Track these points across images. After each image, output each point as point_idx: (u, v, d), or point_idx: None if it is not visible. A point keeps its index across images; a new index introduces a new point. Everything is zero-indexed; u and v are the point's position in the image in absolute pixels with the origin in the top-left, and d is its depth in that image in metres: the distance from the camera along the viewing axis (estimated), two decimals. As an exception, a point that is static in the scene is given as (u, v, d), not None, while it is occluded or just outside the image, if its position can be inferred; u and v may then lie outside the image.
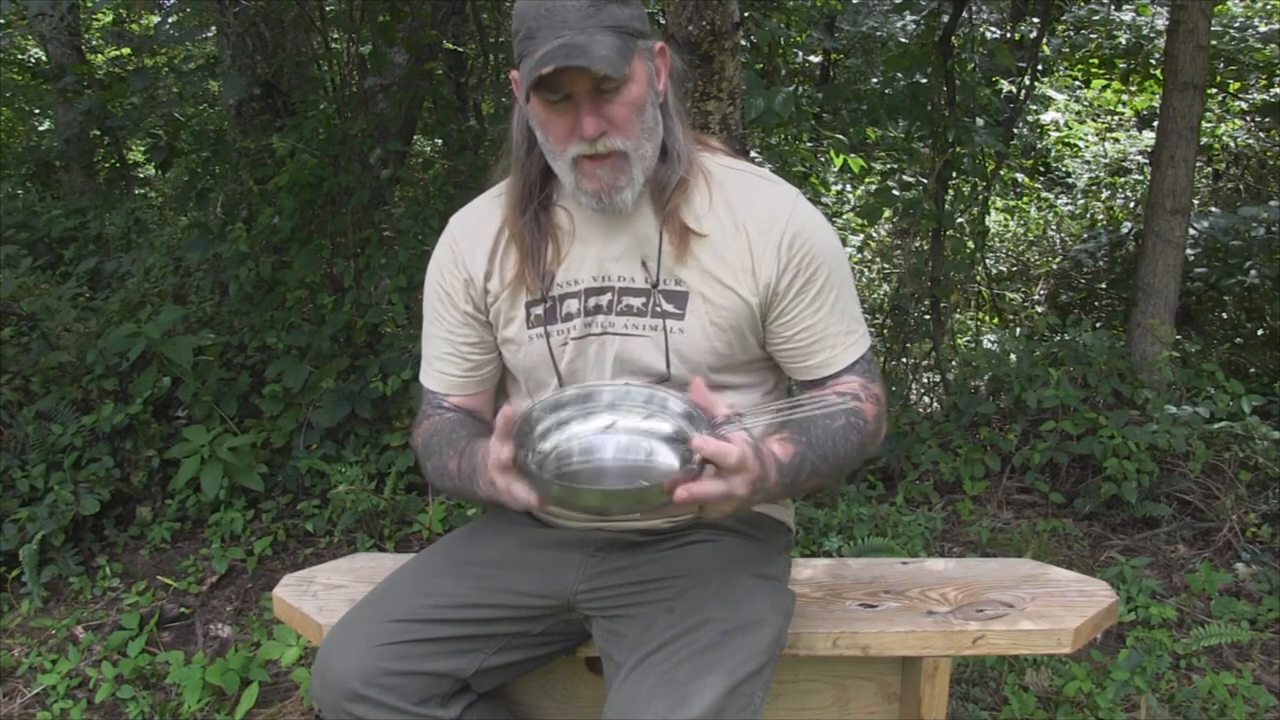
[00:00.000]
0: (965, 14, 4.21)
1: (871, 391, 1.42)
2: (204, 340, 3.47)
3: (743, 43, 3.61)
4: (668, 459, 1.28)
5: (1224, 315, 4.82)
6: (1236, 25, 5.50)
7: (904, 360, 4.30)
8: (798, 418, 1.30)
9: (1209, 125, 5.78)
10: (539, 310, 1.43)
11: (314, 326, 3.53)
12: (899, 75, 4.24)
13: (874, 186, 4.65)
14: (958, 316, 5.15)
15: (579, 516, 1.51)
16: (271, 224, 3.72)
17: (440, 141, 5.61)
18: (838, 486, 3.31)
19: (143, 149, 6.03)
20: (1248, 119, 5.90)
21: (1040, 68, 5.82)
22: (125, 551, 3.12)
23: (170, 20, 4.99)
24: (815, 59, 6.12)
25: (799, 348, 1.42)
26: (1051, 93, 6.65)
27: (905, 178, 4.70)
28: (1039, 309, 5.42)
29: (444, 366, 1.53)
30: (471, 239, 1.48)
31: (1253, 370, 4.19)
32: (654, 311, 1.40)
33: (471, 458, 1.34)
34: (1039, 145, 6.81)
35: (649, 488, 1.15)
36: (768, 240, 1.38)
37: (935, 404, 4.17)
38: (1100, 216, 6.23)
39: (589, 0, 1.26)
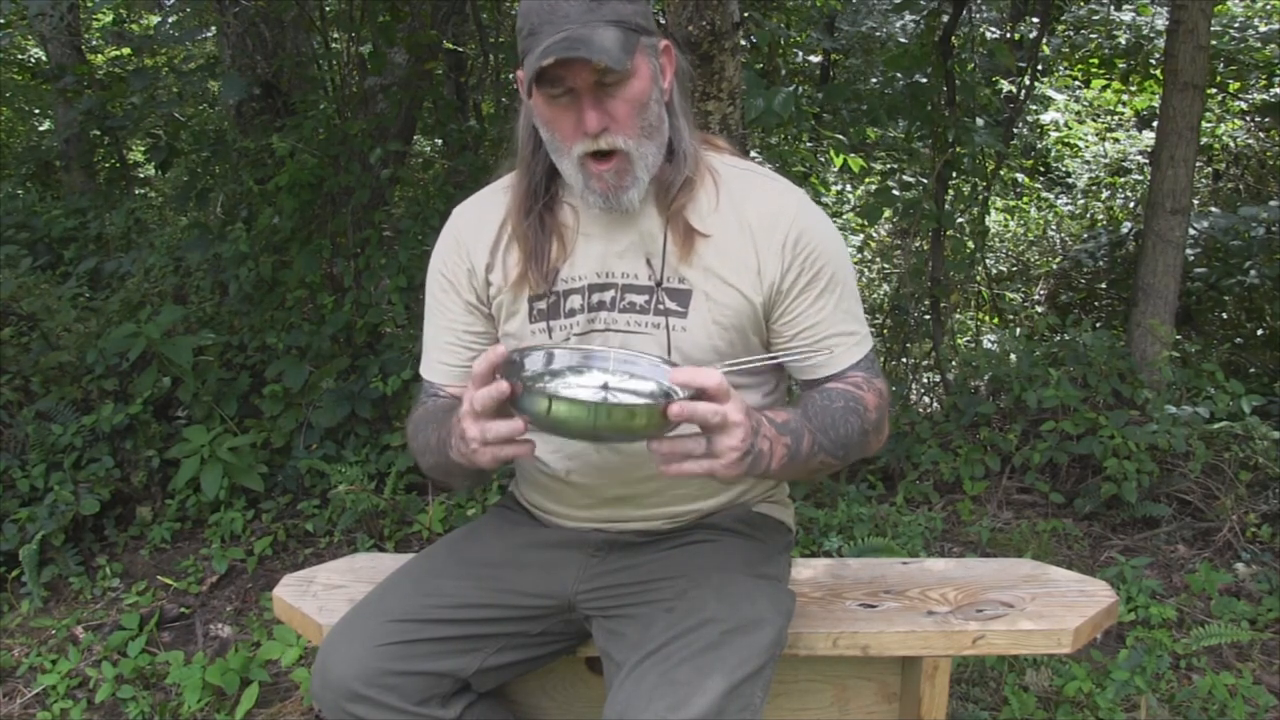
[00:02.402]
0: (965, 14, 4.21)
1: (874, 385, 1.42)
2: (204, 340, 3.47)
3: (743, 43, 3.61)
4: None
5: (1224, 315, 4.82)
6: (1236, 25, 5.50)
7: (904, 360, 4.30)
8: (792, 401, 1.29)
9: (1209, 125, 5.78)
10: (542, 305, 1.44)
11: (314, 326, 3.53)
12: (899, 75, 4.24)
13: (874, 186, 4.65)
14: (958, 316, 5.15)
15: (579, 515, 1.51)
16: (271, 224, 3.72)
17: (440, 141, 5.61)
18: (838, 485, 3.31)
19: (143, 149, 6.04)
20: (1248, 119, 5.90)
21: (1040, 68, 5.82)
22: (125, 551, 3.12)
23: (170, 20, 4.99)
24: (815, 59, 6.13)
25: (802, 346, 1.42)
26: (1051, 93, 6.66)
27: (905, 178, 4.71)
28: (1039, 309, 5.42)
29: (443, 356, 1.52)
30: (474, 230, 1.48)
31: (1253, 370, 4.19)
32: (657, 309, 1.40)
33: (449, 423, 1.31)
34: (1039, 145, 6.82)
35: (640, 407, 1.13)
36: (772, 239, 1.38)
37: (935, 404, 4.17)
38: (1100, 216, 6.23)
39: None
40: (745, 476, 1.21)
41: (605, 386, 1.30)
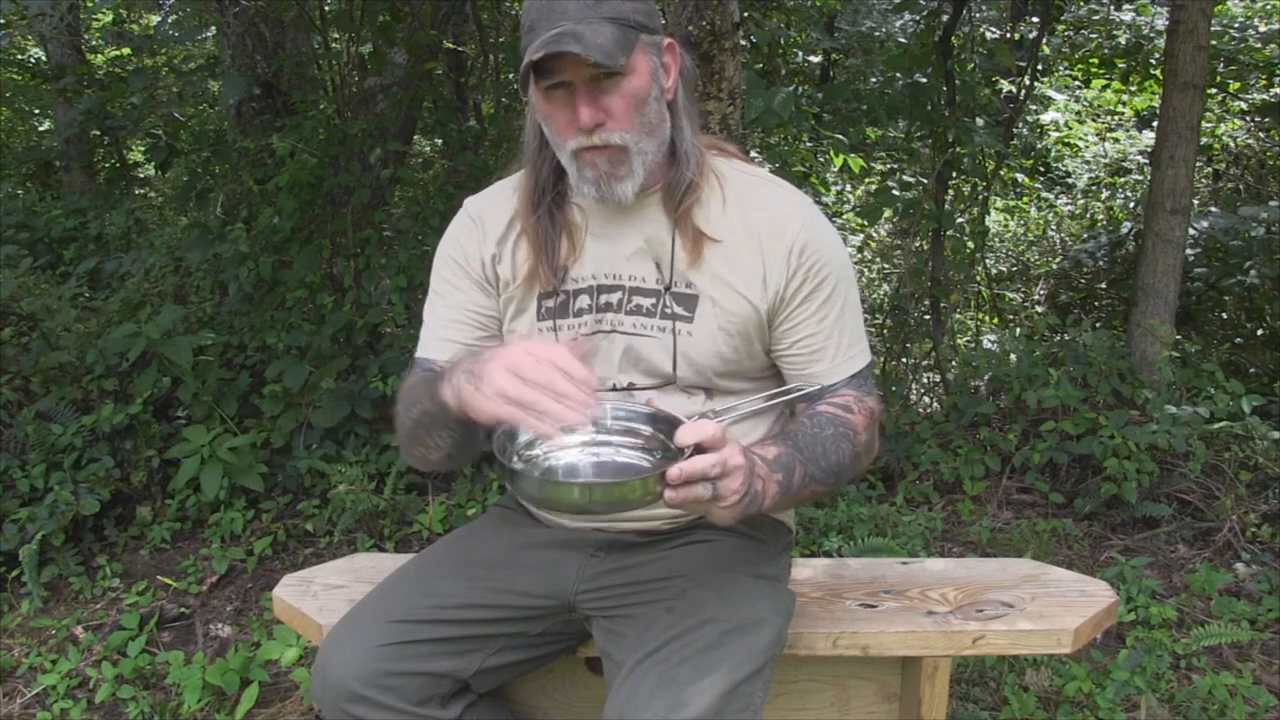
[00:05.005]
0: (965, 14, 4.21)
1: (865, 404, 1.43)
2: (204, 340, 3.47)
3: (743, 43, 3.61)
4: (647, 469, 1.28)
5: (1224, 315, 4.81)
6: (1236, 25, 5.49)
7: (904, 360, 4.30)
8: (782, 431, 1.30)
9: (1209, 125, 5.78)
10: (550, 304, 1.44)
11: (314, 326, 3.53)
12: (899, 75, 4.24)
13: (874, 186, 4.65)
14: (958, 316, 5.15)
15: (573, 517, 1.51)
16: (271, 224, 3.72)
17: (440, 141, 5.62)
18: (832, 494, 3.31)
19: (143, 149, 6.03)
20: (1248, 119, 5.90)
21: (1040, 68, 5.82)
22: (125, 551, 3.12)
23: (170, 20, 4.99)
24: (815, 59, 6.12)
25: (800, 355, 1.43)
26: (1051, 93, 6.66)
27: (905, 178, 4.70)
28: (1039, 309, 5.42)
29: (450, 333, 1.49)
30: (484, 220, 1.49)
31: (1253, 370, 4.19)
32: (663, 313, 1.40)
33: (442, 374, 1.25)
34: (1039, 145, 6.81)
35: (631, 482, 1.15)
36: (779, 247, 1.38)
37: (935, 404, 4.17)
38: (1100, 216, 6.23)
39: None
40: (739, 518, 1.20)
41: (598, 441, 1.30)
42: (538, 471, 1.28)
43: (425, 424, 1.33)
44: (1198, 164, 4.45)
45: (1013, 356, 3.65)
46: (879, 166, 5.41)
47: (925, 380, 4.39)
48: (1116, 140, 6.88)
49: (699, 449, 1.14)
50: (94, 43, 6.89)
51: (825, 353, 1.42)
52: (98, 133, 4.66)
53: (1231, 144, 5.93)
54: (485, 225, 1.48)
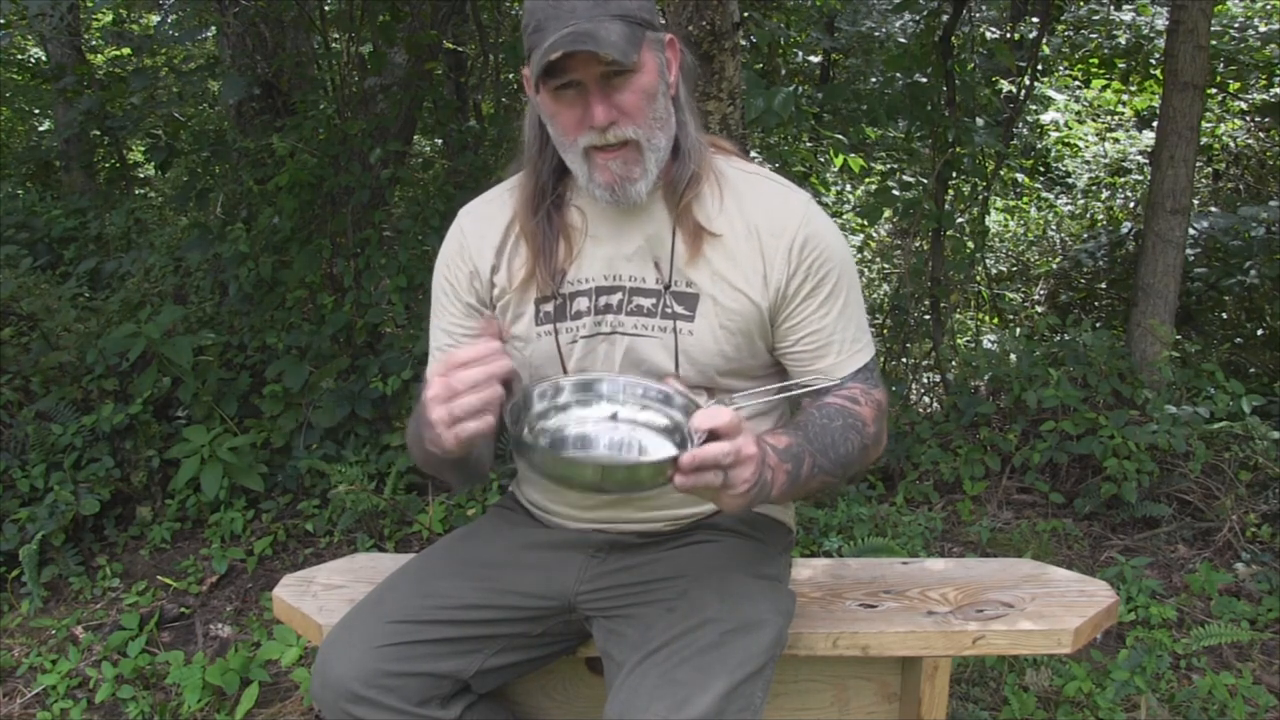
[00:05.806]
0: (965, 14, 4.21)
1: (872, 397, 1.43)
2: (204, 340, 3.47)
3: (743, 43, 3.61)
4: (661, 451, 1.28)
5: (1224, 315, 4.82)
6: (1236, 25, 5.50)
7: (904, 360, 4.30)
8: (791, 421, 1.29)
9: (1209, 125, 5.78)
10: (549, 308, 1.43)
11: (314, 326, 3.53)
12: (899, 75, 4.24)
13: (874, 186, 4.65)
14: (958, 316, 5.15)
15: (580, 516, 1.51)
16: (271, 224, 3.72)
17: (440, 141, 5.62)
18: (839, 486, 3.31)
19: (143, 149, 6.03)
20: (1248, 119, 5.90)
21: (1040, 68, 5.82)
22: (125, 551, 3.12)
23: (170, 20, 4.99)
24: (815, 59, 6.13)
25: (805, 351, 1.42)
26: (1051, 93, 6.66)
27: (905, 178, 4.70)
28: (1039, 309, 5.42)
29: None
30: (480, 231, 1.48)
31: (1253, 370, 4.19)
32: (664, 313, 1.40)
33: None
34: (1039, 145, 6.82)
35: (643, 464, 1.15)
36: (779, 243, 1.38)
37: (935, 404, 4.17)
38: (1100, 216, 6.23)
39: None
40: (748, 507, 1.20)
41: (615, 417, 1.30)
42: (546, 440, 1.27)
43: (432, 465, 1.38)
44: (1198, 164, 4.46)
45: (1013, 356, 3.65)
46: (879, 166, 5.41)
47: (925, 380, 4.39)
48: (1116, 140, 6.89)
49: (713, 435, 1.14)
50: (94, 43, 6.88)
51: (831, 348, 1.42)
52: (98, 133, 4.66)
53: (1231, 144, 5.93)
54: (481, 237, 1.47)
